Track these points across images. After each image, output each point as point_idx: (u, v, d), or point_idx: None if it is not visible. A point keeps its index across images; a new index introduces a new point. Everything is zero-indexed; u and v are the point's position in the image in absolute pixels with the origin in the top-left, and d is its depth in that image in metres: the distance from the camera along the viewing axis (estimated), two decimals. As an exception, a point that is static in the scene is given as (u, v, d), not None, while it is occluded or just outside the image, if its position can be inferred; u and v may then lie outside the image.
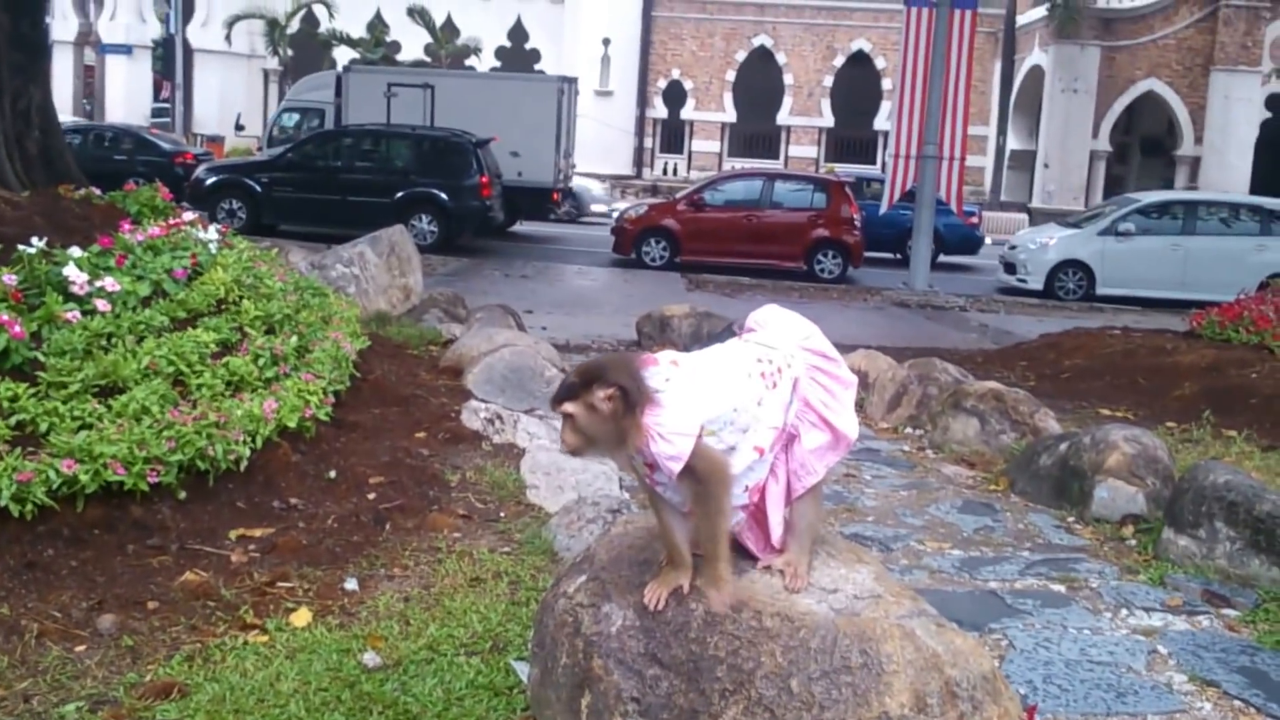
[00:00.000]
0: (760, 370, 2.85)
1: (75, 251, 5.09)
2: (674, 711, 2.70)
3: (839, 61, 39.21)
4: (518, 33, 40.58)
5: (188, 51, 37.03)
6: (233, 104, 39.03)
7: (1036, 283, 19.34)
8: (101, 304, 4.94)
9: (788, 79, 39.22)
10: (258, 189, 19.90)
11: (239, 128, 35.26)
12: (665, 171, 38.56)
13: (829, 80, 39.25)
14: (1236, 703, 3.88)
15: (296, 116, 24.98)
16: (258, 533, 4.46)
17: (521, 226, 24.45)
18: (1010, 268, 20.23)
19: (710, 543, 2.80)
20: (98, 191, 7.35)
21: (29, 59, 17.16)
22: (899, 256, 21.90)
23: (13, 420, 4.22)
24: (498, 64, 39.11)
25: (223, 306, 5.63)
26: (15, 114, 16.79)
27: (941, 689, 2.68)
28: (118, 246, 5.50)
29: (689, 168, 38.38)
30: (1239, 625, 4.50)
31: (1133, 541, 5.39)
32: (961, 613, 4.40)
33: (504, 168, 21.38)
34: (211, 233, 6.32)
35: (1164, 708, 3.81)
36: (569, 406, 2.66)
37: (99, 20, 39.25)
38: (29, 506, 3.93)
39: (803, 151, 38.93)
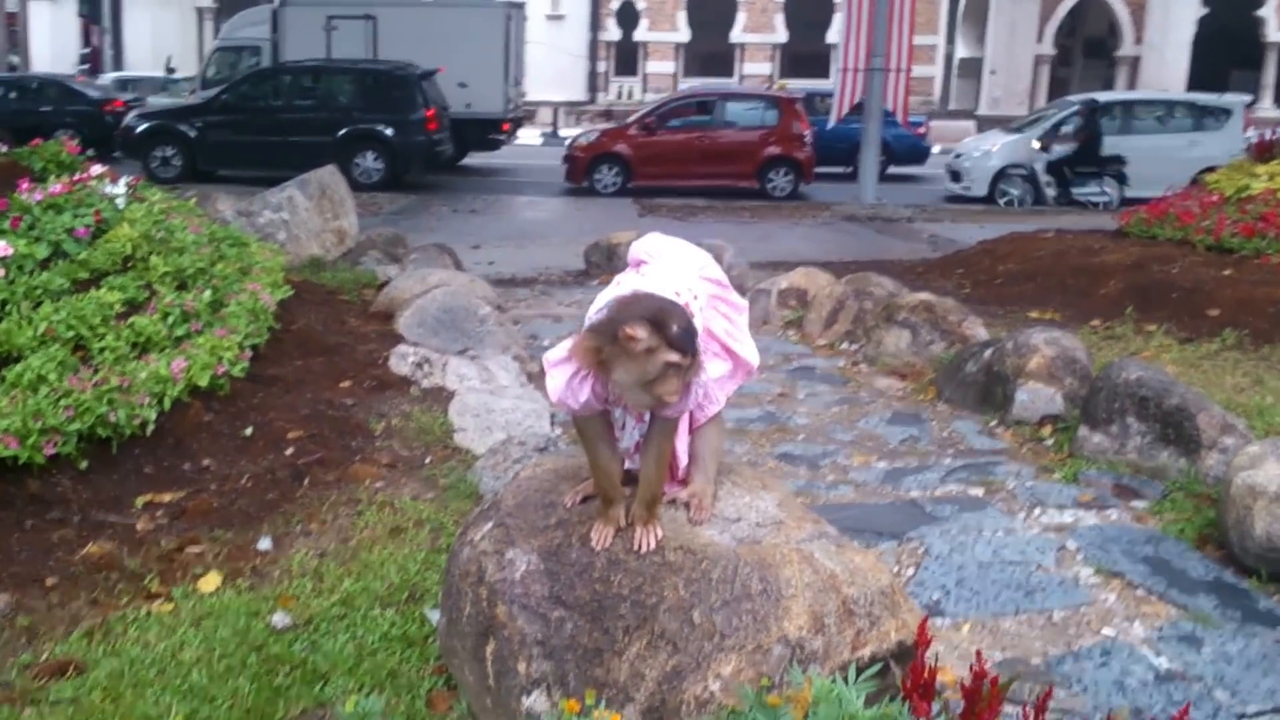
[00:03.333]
0: (683, 303, 2.83)
1: (-38, 217, 4.96)
2: (578, 652, 2.70)
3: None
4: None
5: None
6: (167, 47, 38.14)
7: (980, 189, 19.42)
8: (-7, 270, 4.83)
9: (740, -5, 38.78)
10: (192, 134, 19.49)
11: (170, 71, 34.47)
12: (620, 95, 38.16)
13: (782, -4, 38.84)
14: (1139, 591, 4.00)
15: (231, 56, 24.48)
16: (167, 498, 4.38)
17: (472, 159, 24.23)
18: (956, 176, 20.26)
19: (661, 480, 2.79)
20: (3, 148, 7.19)
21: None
22: (851, 170, 21.89)
23: None
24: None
25: (130, 264, 5.49)
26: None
27: (839, 609, 2.73)
28: (14, 207, 5.33)
29: (644, 90, 37.98)
30: (1147, 516, 4.62)
31: (1050, 442, 5.48)
32: (883, 524, 4.50)
33: (451, 99, 21.04)
34: (119, 186, 6.19)
35: (1070, 601, 3.92)
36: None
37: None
38: None
39: (757, 69, 38.54)
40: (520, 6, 24.54)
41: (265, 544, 4.16)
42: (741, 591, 2.72)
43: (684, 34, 38.68)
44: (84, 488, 4.32)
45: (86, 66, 36.39)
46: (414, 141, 19.42)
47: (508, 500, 3.10)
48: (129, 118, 20.90)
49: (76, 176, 6.21)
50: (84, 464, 4.35)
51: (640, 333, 2.47)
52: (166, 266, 5.56)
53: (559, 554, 2.85)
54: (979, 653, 2.49)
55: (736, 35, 38.69)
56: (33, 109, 23.10)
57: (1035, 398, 5.65)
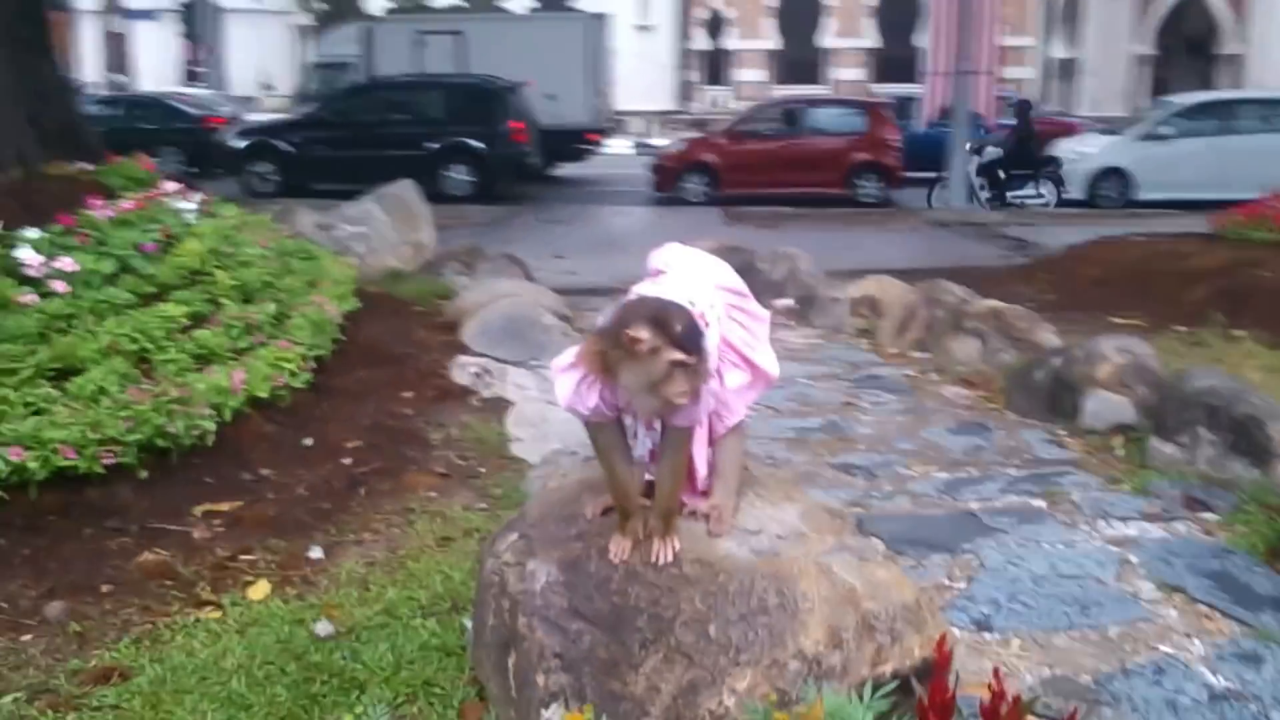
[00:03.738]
0: (697, 313, 2.80)
1: (31, 233, 5.11)
2: (595, 664, 2.68)
3: (882, -22, 38.46)
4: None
5: (217, 12, 37.08)
6: (267, 65, 39.10)
7: (1077, 192, 18.98)
8: (59, 285, 4.93)
9: (829, 0, 38.52)
10: (288, 150, 19.95)
11: (267, 88, 35.32)
12: (710, 104, 38.16)
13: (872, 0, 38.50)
14: (1201, 607, 3.84)
15: (325, 73, 24.96)
16: (224, 507, 4.45)
17: (562, 170, 24.37)
18: (1051, 179, 19.85)
19: (677, 492, 2.77)
20: (88, 166, 7.40)
21: (36, 33, 17.34)
22: (942, 175, 21.59)
23: None
24: (536, 4, 38.78)
25: (196, 278, 5.63)
26: (31, 92, 17.04)
27: (858, 624, 2.68)
28: (82, 224, 5.51)
29: (735, 98, 37.94)
30: (1216, 529, 4.45)
31: (1121, 452, 5.32)
32: (936, 536, 4.40)
33: (539, 111, 21.23)
34: (190, 202, 6.34)
35: (1126, 616, 3.78)
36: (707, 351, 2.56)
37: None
38: None
39: (848, 74, 38.30)
40: (605, 18, 24.67)
41: (316, 553, 4.21)
42: (758, 605, 2.68)
43: (773, 41, 38.56)
44: (143, 497, 4.42)
45: (197, 84, 37.40)
46: (503, 153, 19.60)
47: (532, 511, 3.10)
48: (227, 134, 21.42)
49: (149, 193, 6.36)
50: (144, 474, 4.44)
51: (643, 334, 2.45)
52: (231, 280, 5.68)
53: (578, 566, 2.83)
54: (996, 670, 2.42)
55: (826, 41, 38.45)
56: (136, 127, 23.71)
57: (1105, 407, 5.50)
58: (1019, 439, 5.59)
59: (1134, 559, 4.20)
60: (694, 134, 24.05)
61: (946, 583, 4.03)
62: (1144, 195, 18.63)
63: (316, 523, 4.44)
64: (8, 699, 3.25)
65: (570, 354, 2.70)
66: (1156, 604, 3.88)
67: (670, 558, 2.76)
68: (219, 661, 3.40)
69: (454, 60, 22.10)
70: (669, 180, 20.25)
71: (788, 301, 8.85)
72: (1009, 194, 18.72)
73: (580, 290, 10.80)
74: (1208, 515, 4.58)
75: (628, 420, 2.75)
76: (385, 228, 9.27)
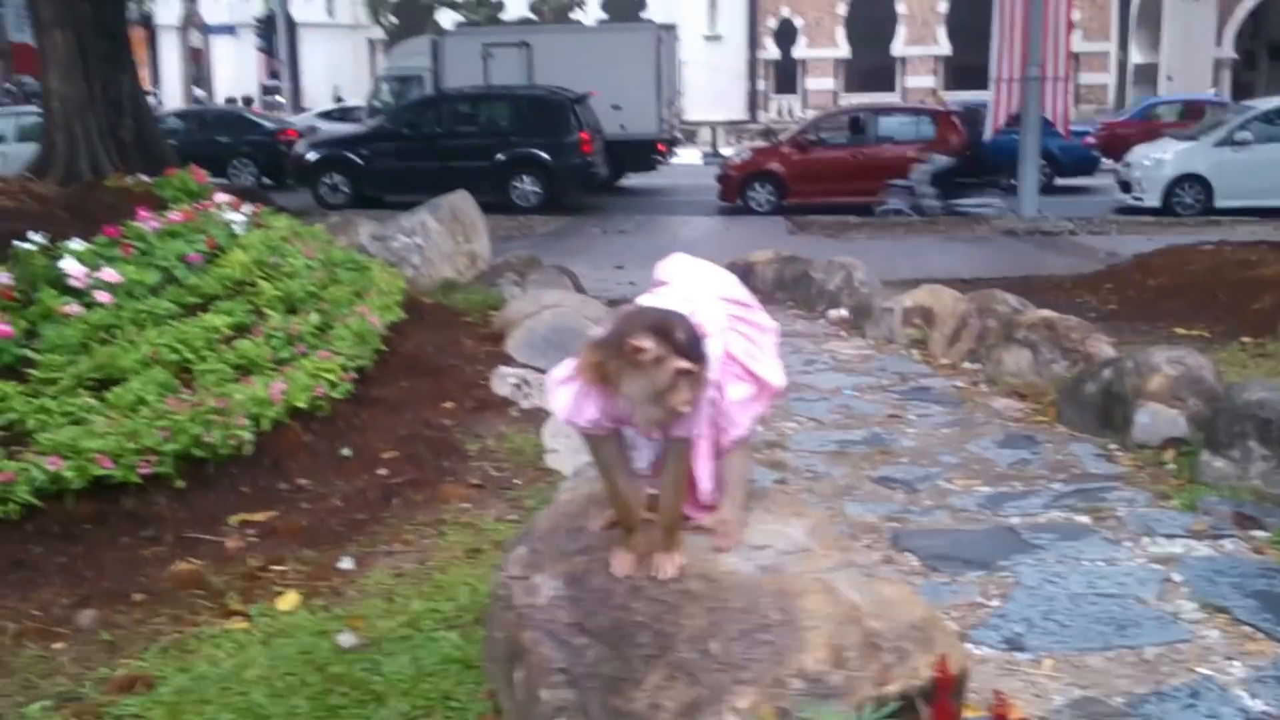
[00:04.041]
0: (697, 322, 2.80)
1: (76, 244, 5.20)
2: (598, 680, 2.64)
3: (955, -16, 38.05)
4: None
5: (293, 27, 37.77)
6: (341, 77, 39.72)
7: (1153, 200, 18.59)
8: (102, 295, 5.01)
9: (901, 8, 38.31)
10: (359, 161, 20.25)
11: (338, 100, 35.93)
12: (779, 113, 38.03)
13: (944, 6, 38.11)
14: (1245, 628, 3.70)
15: (395, 85, 25.29)
16: (260, 517, 4.48)
17: (629, 180, 24.42)
18: (1126, 186, 19.49)
19: (680, 505, 2.74)
20: (146, 178, 7.54)
21: (115, 47, 17.80)
22: (1012, 183, 21.29)
23: (2, 420, 4.30)
24: (604, 16, 38.97)
25: (240, 289, 5.69)
26: (108, 103, 17.45)
27: (861, 641, 2.62)
28: (129, 235, 5.60)
29: (804, 107, 37.78)
30: (1266, 547, 4.30)
31: (1172, 466, 5.17)
32: (973, 552, 4.31)
33: (606, 121, 21.31)
34: (239, 214, 6.42)
35: (1165, 638, 3.66)
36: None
37: (201, 2, 40.23)
38: (12, 506, 3.99)
39: (920, 82, 37.96)
40: (672, 28, 24.73)
41: (347, 563, 4.22)
42: (760, 622, 2.63)
43: (843, 50, 38.36)
44: (180, 506, 4.46)
45: (273, 98, 38.14)
46: (569, 164, 19.71)
47: (541, 524, 3.08)
48: (298, 146, 21.79)
49: (200, 204, 6.46)
50: (181, 483, 4.48)
51: (646, 343, 2.43)
52: (275, 291, 5.73)
53: (582, 580, 2.81)
54: (998, 693, 2.35)
55: (898, 49, 38.16)
56: (212, 139, 24.21)
57: (1156, 420, 5.35)
58: (1067, 453, 5.46)
59: (1177, 578, 4.07)
60: (760, 143, 23.92)
61: (980, 600, 3.94)
62: (1222, 203, 18.19)
63: (349, 533, 4.46)
64: (36, 706, 3.29)
65: (568, 366, 2.68)
66: (1198, 624, 3.75)
67: (673, 573, 2.72)
68: (242, 672, 3.41)
69: (522, 72, 22.28)
70: (735, 190, 20.22)
71: (841, 312, 8.76)
72: (956, 202, 18.95)
73: (630, 300, 10.81)
74: (1258, 533, 4.43)
75: (627, 432, 2.72)
76: (440, 238, 9.33)
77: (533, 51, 22.44)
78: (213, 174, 21.08)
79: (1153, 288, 9.57)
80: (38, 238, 5.15)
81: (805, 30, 38.47)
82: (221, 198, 6.85)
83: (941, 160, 18.88)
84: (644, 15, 37.95)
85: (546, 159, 19.66)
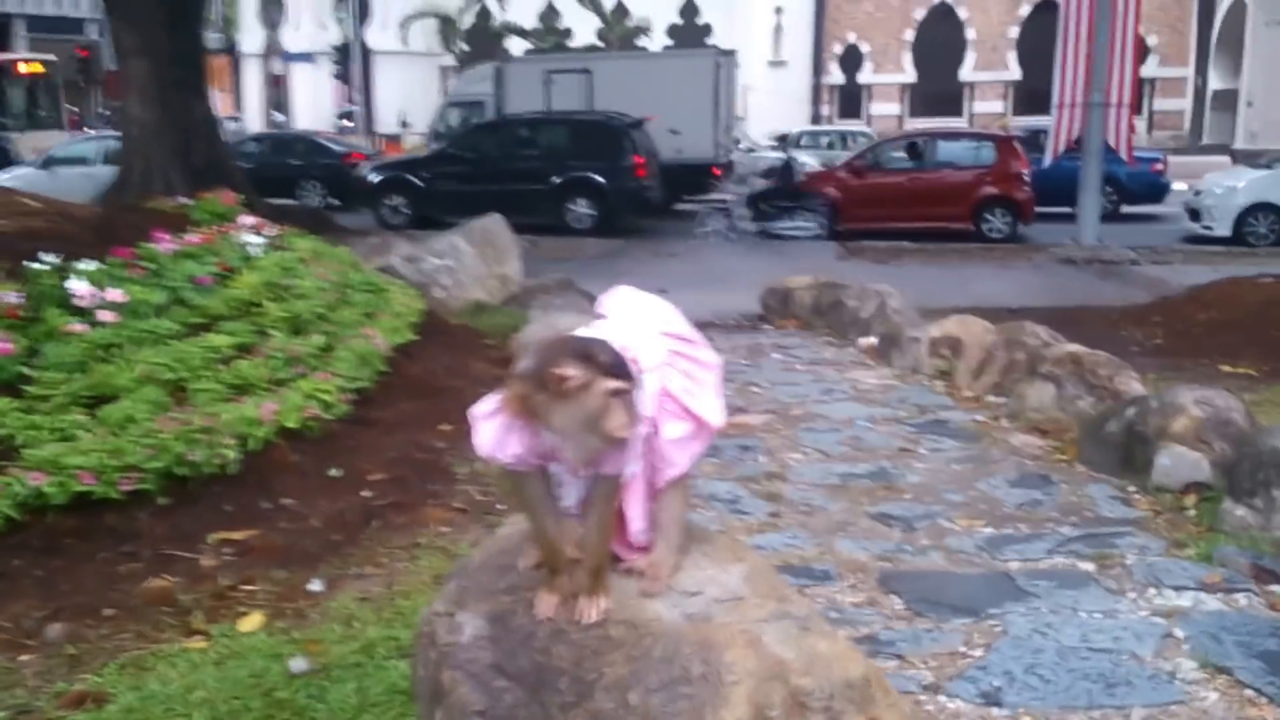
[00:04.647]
0: (630, 358, 2.67)
1: (86, 264, 5.22)
2: (516, 726, 2.57)
3: (1025, 11, 37.53)
4: (689, 9, 40.48)
5: (367, 54, 38.34)
6: (413, 103, 40.21)
7: (1223, 229, 18.06)
8: (106, 315, 5.03)
9: (970, 34, 37.86)
10: (420, 184, 20.45)
11: (404, 125, 36.39)
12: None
13: (1014, 31, 37.66)
14: (1248, 692, 3.47)
15: (459, 111, 25.51)
16: (239, 535, 4.46)
17: (685, 204, 24.30)
18: (1195, 214, 18.95)
19: (606, 547, 2.62)
20: (185, 200, 7.57)
21: (189, 74, 18.22)
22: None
23: None
24: (670, 42, 39.08)
25: (248, 310, 5.69)
26: (182, 128, 17.85)
27: (786, 700, 2.46)
28: (143, 256, 5.62)
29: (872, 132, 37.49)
30: (1282, 604, 4.06)
31: (1192, 512, 4.92)
32: (962, 597, 4.12)
33: (663, 146, 21.28)
34: (257, 237, 6.42)
35: (1157, 699, 3.45)
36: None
37: (283, 31, 41.05)
38: None
39: (988, 107, 37.49)
40: (732, 54, 24.67)
41: (316, 585, 4.18)
42: (681, 674, 2.48)
43: (910, 75, 38.02)
44: (161, 523, 4.46)
45: (349, 124, 38.73)
46: (624, 188, 19.69)
47: (475, 559, 2.96)
48: (363, 169, 22.07)
49: (222, 226, 6.46)
50: (164, 500, 4.48)
51: (570, 370, 2.32)
52: (281, 312, 5.72)
53: (505, 620, 2.68)
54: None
55: (966, 74, 37.74)
56: (284, 162, 24.60)
57: (1179, 463, 5.11)
58: (1082, 494, 5.23)
59: (1179, 633, 3.85)
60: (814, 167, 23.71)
61: (962, 650, 3.76)
62: (1296, 233, 17.65)
63: (324, 554, 4.43)
64: (-11, 720, 3.30)
65: (491, 400, 2.56)
66: (1195, 685, 3.53)
67: (596, 617, 2.59)
68: (189, 693, 3.38)
69: (582, 98, 22.37)
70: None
71: (871, 340, 8.57)
72: (771, 226, 19.09)
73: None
74: (1276, 588, 4.19)
75: (553, 469, 2.59)
76: (471, 260, 9.30)
77: (593, 78, 22.53)
78: (283, 195, 21.68)
79: (1203, 321, 9.24)
80: (50, 257, 5.19)
81: (872, 55, 38.21)
82: (246, 220, 6.86)
83: (760, 184, 19.06)
84: (709, 41, 37.95)
85: (601, 182, 19.67)
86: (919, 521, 4.89)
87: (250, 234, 6.52)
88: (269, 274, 6.01)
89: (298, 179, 24.09)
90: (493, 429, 2.53)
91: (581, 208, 19.78)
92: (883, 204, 19.37)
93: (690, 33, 39.66)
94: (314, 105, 42.46)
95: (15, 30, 43.96)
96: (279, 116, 42.72)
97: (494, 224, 9.95)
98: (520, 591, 2.72)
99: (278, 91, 44.48)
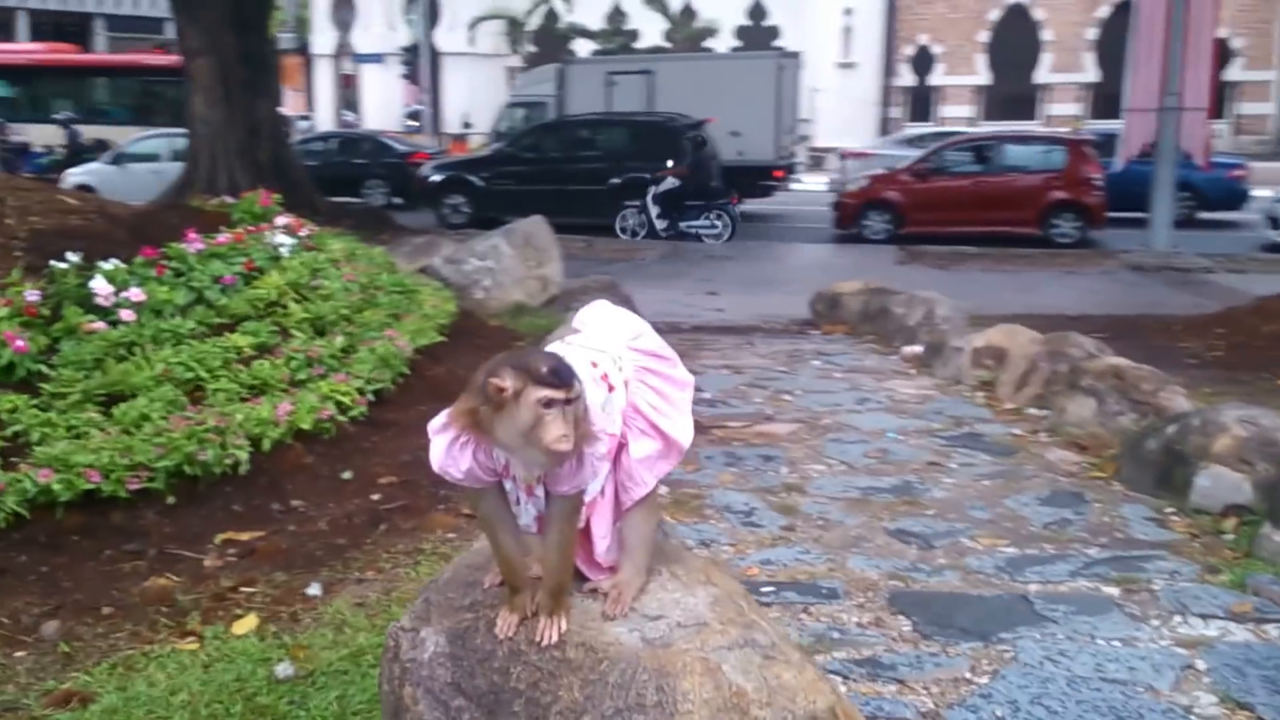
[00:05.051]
0: (599, 374, 2.53)
1: (109, 264, 5.23)
2: (470, 747, 2.48)
3: (1103, 12, 36.74)
4: (757, 11, 40.21)
5: (436, 55, 38.53)
6: (479, 104, 40.40)
7: (1303, 236, 17.51)
8: (126, 314, 5.05)
9: (1046, 35, 37.16)
10: (479, 183, 20.50)
11: (466, 125, 36.60)
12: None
13: (1092, 33, 36.89)
14: (1269, 729, 3.30)
15: (521, 112, 25.56)
16: (244, 536, 4.44)
17: (747, 205, 24.09)
18: (1276, 222, 18.38)
19: (566, 567, 2.53)
20: (229, 199, 7.59)
21: (257, 75, 18.46)
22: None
23: (9, 431, 4.34)
24: (738, 44, 38.83)
25: (270, 310, 5.68)
26: (247, 128, 18.07)
27: (742, 732, 2.36)
28: (170, 256, 5.63)
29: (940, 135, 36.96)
30: (1316, 636, 3.84)
31: (1230, 536, 4.70)
32: (973, 621, 3.97)
33: (724, 147, 21.13)
34: (288, 237, 6.39)
35: (1167, 736, 3.28)
36: (580, 386, 2.28)
37: (353, 32, 41.47)
38: (0, 515, 4.02)
39: (1065, 110, 36.74)
40: (795, 56, 24.46)
41: (315, 589, 4.15)
42: (635, 700, 2.39)
43: (983, 77, 37.41)
44: (168, 522, 4.46)
45: (415, 124, 38.99)
46: (683, 189, 19.51)
47: (444, 574, 2.88)
48: (424, 169, 22.18)
49: (250, 227, 6.46)
50: (172, 500, 4.48)
51: (505, 380, 2.25)
52: (304, 313, 5.70)
53: (465, 638, 2.61)
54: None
55: (1041, 76, 37.05)
56: (349, 161, 24.82)
57: (1218, 484, 4.89)
58: (1116, 515, 5.03)
59: (1201, 665, 3.67)
60: (878, 169, 23.42)
61: (967, 676, 3.61)
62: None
63: (327, 558, 4.39)
64: (-24, 715, 3.30)
65: (444, 415, 2.47)
66: (1212, 722, 3.34)
67: (554, 638, 2.50)
68: (172, 696, 3.36)
69: (644, 99, 22.29)
70: (850, 217, 19.74)
71: (916, 349, 8.36)
72: (683, 224, 18.92)
73: (717, 328, 10.55)
74: (1308, 618, 3.96)
75: (508, 486, 2.49)
76: (512, 262, 9.24)
77: (655, 79, 22.45)
78: (348, 194, 21.80)
79: (1266, 334, 8.89)
80: (74, 257, 5.22)
81: (944, 57, 37.63)
82: (281, 220, 6.85)
83: (670, 182, 18.89)
84: (777, 43, 37.66)
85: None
86: (938, 539, 4.73)
87: (282, 234, 6.49)
88: (295, 274, 6.00)
89: (362, 178, 24.31)
90: (443, 444, 2.45)
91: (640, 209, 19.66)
92: (947, 208, 19.04)
93: (758, 34, 39.35)
94: (383, 105, 42.83)
95: (96, 29, 44.99)
96: (350, 116, 43.17)
97: (535, 225, 9.90)
98: (482, 609, 2.65)
99: (348, 91, 44.97)
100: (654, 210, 19.07)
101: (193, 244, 5.92)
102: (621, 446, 2.60)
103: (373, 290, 6.45)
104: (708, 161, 19.65)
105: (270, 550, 4.38)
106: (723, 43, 38.59)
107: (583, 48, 36.88)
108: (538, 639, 2.51)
